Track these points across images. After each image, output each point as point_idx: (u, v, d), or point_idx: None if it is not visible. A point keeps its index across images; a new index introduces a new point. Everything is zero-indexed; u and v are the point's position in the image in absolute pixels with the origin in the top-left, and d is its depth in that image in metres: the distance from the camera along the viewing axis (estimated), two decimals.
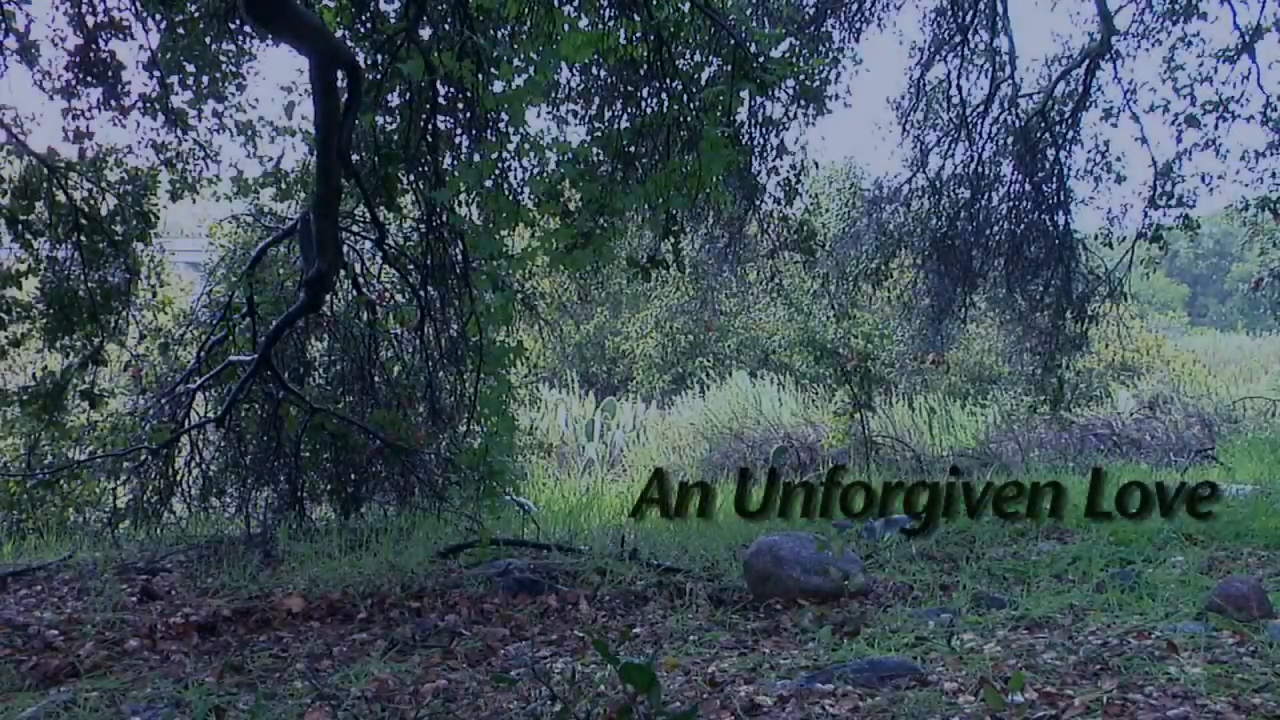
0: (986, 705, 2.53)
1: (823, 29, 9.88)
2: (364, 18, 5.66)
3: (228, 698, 3.15)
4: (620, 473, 12.71)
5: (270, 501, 7.22)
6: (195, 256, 14.18)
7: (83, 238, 6.45)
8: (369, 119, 5.47)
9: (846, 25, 10.27)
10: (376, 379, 7.47)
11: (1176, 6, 9.77)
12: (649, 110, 6.82)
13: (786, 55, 6.52)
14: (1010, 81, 10.56)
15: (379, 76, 5.32)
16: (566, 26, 5.25)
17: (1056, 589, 4.43)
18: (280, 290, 7.12)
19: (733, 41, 5.45)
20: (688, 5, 5.54)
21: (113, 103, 6.68)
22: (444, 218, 6.20)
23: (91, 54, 6.51)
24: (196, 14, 6.52)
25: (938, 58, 10.79)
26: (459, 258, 6.42)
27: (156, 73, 6.74)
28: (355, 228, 7.04)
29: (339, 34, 5.25)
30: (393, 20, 5.61)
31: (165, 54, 6.66)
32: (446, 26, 5.69)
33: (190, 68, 6.82)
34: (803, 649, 3.56)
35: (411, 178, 6.03)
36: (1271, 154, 9.41)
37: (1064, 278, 10.25)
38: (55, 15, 6.61)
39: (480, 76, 5.11)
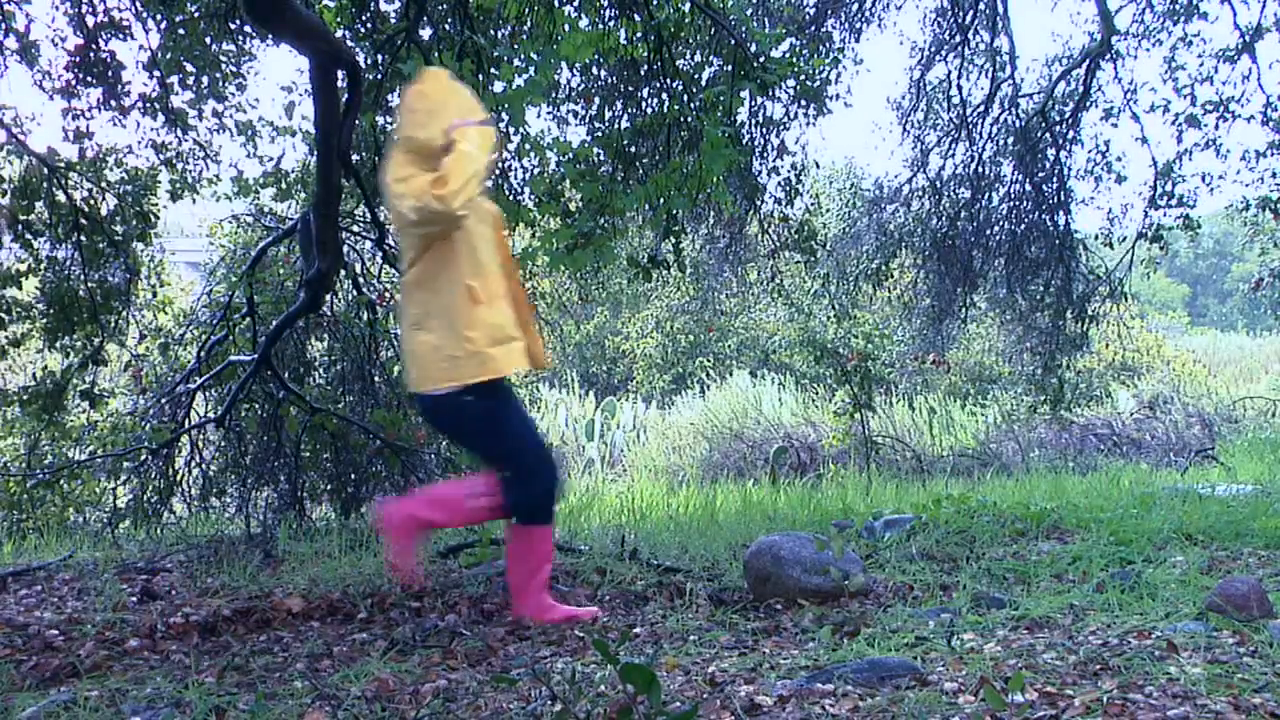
0: (986, 705, 2.53)
1: (823, 29, 9.90)
2: (364, 18, 5.66)
3: (228, 698, 3.14)
4: (620, 473, 12.71)
5: (270, 501, 7.22)
6: (195, 256, 14.21)
7: (83, 238, 6.46)
8: (369, 119, 5.47)
9: (847, 25, 10.28)
10: (376, 379, 7.47)
11: (1177, 6, 9.77)
12: (649, 110, 6.83)
13: (787, 55, 6.51)
14: (1010, 81, 10.57)
15: (379, 76, 5.32)
16: (567, 26, 5.25)
17: (1056, 589, 4.42)
18: (280, 290, 7.11)
19: (733, 41, 5.45)
20: (688, 5, 5.54)
21: (113, 103, 6.68)
22: None
23: (91, 54, 6.52)
24: (196, 14, 6.52)
25: (938, 58, 10.80)
26: None
27: (156, 73, 6.74)
28: (355, 228, 7.04)
29: (339, 34, 5.25)
30: (393, 20, 5.61)
31: (165, 54, 6.66)
32: (446, 26, 5.69)
33: (190, 68, 6.83)
34: (803, 649, 3.56)
35: None
36: (1272, 154, 9.42)
37: (1064, 278, 10.25)
38: (55, 15, 6.64)
39: (480, 76, 5.11)
